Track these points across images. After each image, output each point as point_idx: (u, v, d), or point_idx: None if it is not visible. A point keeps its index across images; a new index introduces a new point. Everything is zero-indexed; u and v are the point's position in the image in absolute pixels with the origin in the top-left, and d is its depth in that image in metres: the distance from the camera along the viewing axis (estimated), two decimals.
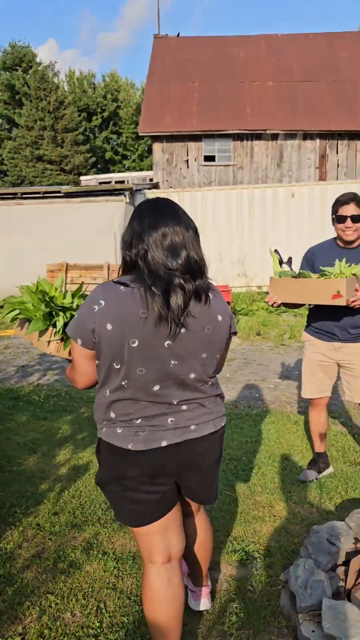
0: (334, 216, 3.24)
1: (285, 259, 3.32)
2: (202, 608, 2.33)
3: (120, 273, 1.83)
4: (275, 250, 3.35)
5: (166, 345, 1.69)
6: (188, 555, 2.21)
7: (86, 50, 77.73)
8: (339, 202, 3.19)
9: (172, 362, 1.71)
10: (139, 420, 1.76)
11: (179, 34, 22.62)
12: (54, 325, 1.96)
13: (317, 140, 18.16)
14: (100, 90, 41.02)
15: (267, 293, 12.90)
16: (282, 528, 3.04)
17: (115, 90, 41.64)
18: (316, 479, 3.65)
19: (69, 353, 1.91)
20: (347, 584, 2.38)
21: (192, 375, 1.77)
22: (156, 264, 1.69)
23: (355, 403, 3.80)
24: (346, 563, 2.57)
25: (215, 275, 12.77)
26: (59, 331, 1.95)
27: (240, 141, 18.31)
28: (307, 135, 18.13)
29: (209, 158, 18.53)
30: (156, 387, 1.73)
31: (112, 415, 1.78)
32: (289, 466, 3.87)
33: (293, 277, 3.15)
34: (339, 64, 20.39)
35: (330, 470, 3.76)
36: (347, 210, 3.14)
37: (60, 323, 1.92)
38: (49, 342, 1.93)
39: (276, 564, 2.69)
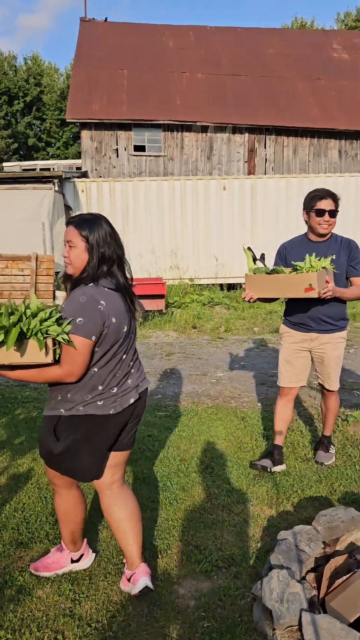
0: (311, 210, 3.32)
1: (258, 256, 3.41)
2: (144, 584, 2.32)
3: (95, 265, 2.21)
4: (249, 248, 3.43)
5: (131, 325, 2.31)
6: (122, 532, 2.40)
7: (5, 31, 74.27)
8: (317, 197, 3.29)
9: (132, 335, 2.35)
10: (115, 389, 2.27)
11: (106, 18, 22.03)
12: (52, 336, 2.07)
13: (246, 135, 18.30)
14: (22, 74, 39.27)
15: (199, 285, 12.90)
16: (243, 532, 2.91)
17: (38, 74, 40.01)
18: (269, 469, 3.59)
19: (53, 356, 2.11)
20: (321, 592, 2.28)
21: (135, 341, 2.43)
22: (122, 270, 2.30)
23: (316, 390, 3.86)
24: (314, 569, 2.49)
25: (148, 267, 12.56)
26: (60, 339, 2.07)
27: (171, 132, 18.11)
28: (236, 129, 18.22)
29: (139, 148, 18.19)
30: (124, 356, 2.30)
31: (100, 387, 2.22)
32: (242, 465, 3.76)
33: (267, 273, 3.20)
34: (266, 60, 20.65)
35: (282, 467, 3.70)
36: (325, 204, 3.27)
37: (64, 332, 2.06)
38: (46, 353, 2.04)
39: (242, 573, 2.56)
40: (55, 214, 12.00)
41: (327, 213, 3.26)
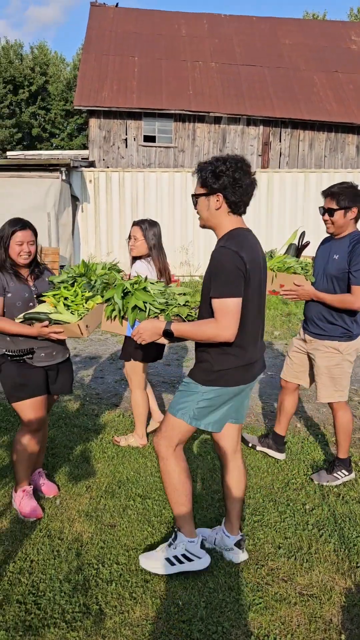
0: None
1: (304, 242, 3.43)
2: None
3: None
4: (302, 233, 3.45)
5: None
6: None
7: (14, 23, 72.93)
8: (322, 194, 3.26)
9: None
10: None
11: (117, 4, 21.25)
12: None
13: (261, 127, 17.56)
14: (28, 62, 38.42)
15: None
16: (316, 616, 2.24)
17: (44, 63, 39.15)
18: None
19: None
20: None
21: None
22: None
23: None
24: None
25: None
26: None
27: (182, 122, 17.37)
28: (250, 121, 17.49)
29: (149, 138, 17.46)
30: None
31: None
32: (296, 509, 3.09)
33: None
34: (281, 51, 19.88)
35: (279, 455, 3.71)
36: (325, 203, 3.21)
37: None
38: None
39: None
40: (61, 204, 11.32)
41: (326, 212, 3.17)
